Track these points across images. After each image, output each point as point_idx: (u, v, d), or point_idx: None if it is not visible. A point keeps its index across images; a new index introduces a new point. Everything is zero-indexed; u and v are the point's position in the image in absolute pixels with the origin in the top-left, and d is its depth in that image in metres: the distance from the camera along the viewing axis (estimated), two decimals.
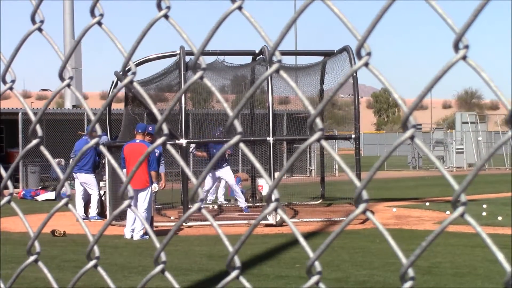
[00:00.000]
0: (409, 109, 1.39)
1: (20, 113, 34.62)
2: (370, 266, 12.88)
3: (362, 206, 1.46)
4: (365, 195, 1.45)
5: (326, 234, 17.38)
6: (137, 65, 19.86)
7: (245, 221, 19.44)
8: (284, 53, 21.13)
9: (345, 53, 20.83)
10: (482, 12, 1.30)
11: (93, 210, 21.86)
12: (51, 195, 29.42)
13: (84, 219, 20.96)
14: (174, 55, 20.81)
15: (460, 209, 1.38)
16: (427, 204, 24.37)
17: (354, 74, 20.02)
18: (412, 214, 22.06)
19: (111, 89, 21.16)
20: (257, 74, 23.60)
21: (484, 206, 22.16)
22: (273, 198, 1.54)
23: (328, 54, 22.45)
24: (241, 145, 1.56)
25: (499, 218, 19.54)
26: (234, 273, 1.61)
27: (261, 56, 21.98)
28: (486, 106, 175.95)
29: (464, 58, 1.33)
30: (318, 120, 1.46)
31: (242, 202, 22.01)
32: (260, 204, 23.69)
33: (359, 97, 20.69)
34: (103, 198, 21.87)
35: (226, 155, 22.22)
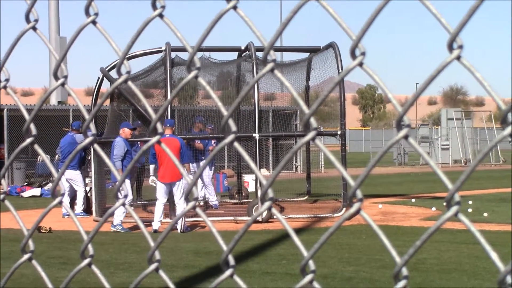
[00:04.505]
0: (403, 109, 1.40)
1: (5, 109, 34.42)
2: (357, 263, 12.91)
3: (356, 205, 1.47)
4: (359, 194, 1.46)
5: (313, 231, 17.41)
6: None
7: (231, 218, 19.46)
8: None
9: (331, 50, 20.83)
10: (476, 13, 1.31)
11: (79, 206, 21.81)
12: (36, 191, 29.35)
13: (69, 215, 20.91)
14: (160, 51, 20.81)
15: (454, 208, 1.39)
16: (413, 200, 24.45)
17: (340, 71, 20.06)
18: (398, 210, 22.11)
19: (96, 86, 21.10)
20: (243, 70, 23.60)
21: (470, 202, 22.26)
22: (267, 196, 1.55)
23: (314, 51, 22.47)
24: (236, 144, 1.57)
25: (485, 214, 19.63)
26: (228, 272, 1.61)
27: (246, 52, 21.96)
28: (472, 102, 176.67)
29: (458, 58, 1.34)
30: (312, 120, 1.47)
31: (213, 197, 22.38)
32: (246, 200, 23.71)
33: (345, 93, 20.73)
34: (89, 194, 21.84)
35: (208, 150, 22.36)
